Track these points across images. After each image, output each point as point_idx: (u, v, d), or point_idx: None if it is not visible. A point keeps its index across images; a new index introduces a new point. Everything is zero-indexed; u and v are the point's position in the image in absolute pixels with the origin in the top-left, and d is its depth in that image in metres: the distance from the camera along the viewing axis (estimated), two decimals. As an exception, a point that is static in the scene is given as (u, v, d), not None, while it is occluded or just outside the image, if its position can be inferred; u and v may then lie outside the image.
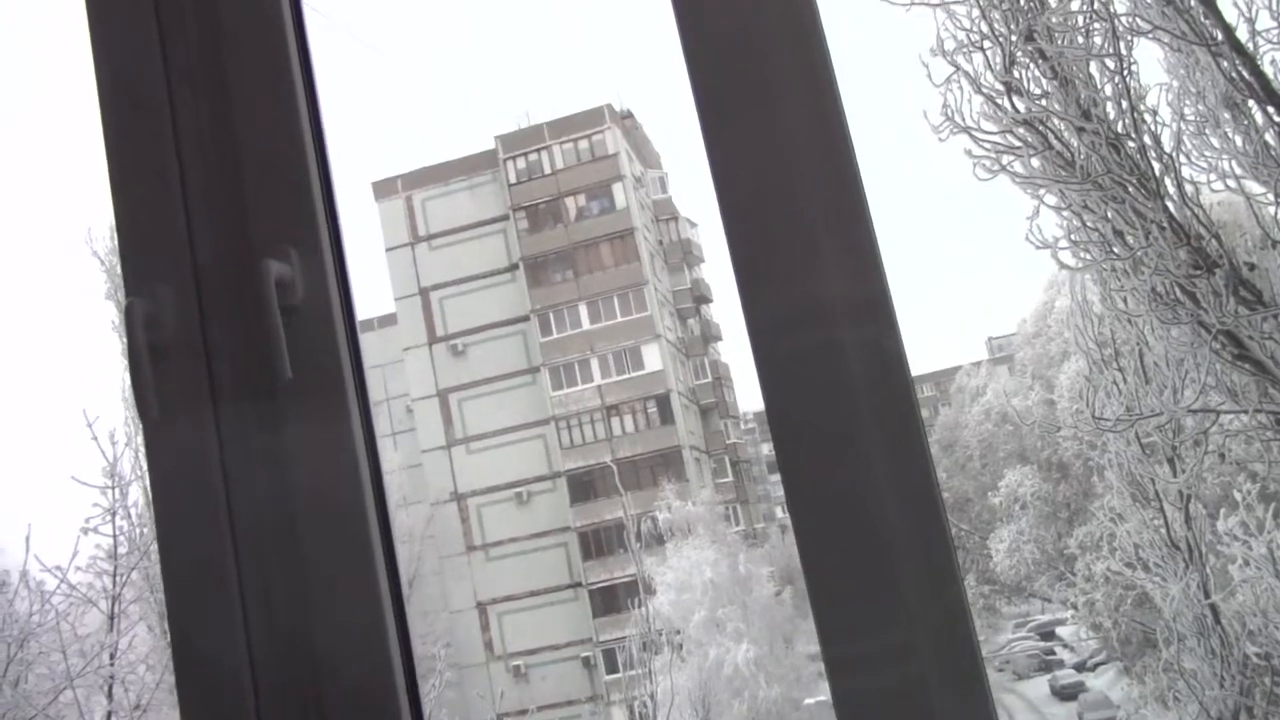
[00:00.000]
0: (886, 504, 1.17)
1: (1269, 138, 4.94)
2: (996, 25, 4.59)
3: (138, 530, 9.28)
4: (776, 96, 1.22)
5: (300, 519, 1.26)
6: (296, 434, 1.26)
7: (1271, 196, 4.92)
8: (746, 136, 1.23)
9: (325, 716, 1.22)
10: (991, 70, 4.59)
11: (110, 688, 7.52)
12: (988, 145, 4.57)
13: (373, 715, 1.21)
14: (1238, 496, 6.27)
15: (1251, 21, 4.42)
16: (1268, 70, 4.47)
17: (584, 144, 20.81)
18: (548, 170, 20.73)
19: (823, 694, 16.87)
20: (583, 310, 20.37)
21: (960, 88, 4.58)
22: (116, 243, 1.37)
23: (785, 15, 1.23)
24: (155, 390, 1.25)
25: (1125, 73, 4.45)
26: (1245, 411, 4.81)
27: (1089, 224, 5.04)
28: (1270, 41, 4.66)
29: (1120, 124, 4.57)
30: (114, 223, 1.34)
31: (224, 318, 1.30)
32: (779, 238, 1.22)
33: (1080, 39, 4.75)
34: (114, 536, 8.30)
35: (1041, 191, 4.97)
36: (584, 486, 19.74)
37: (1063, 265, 4.95)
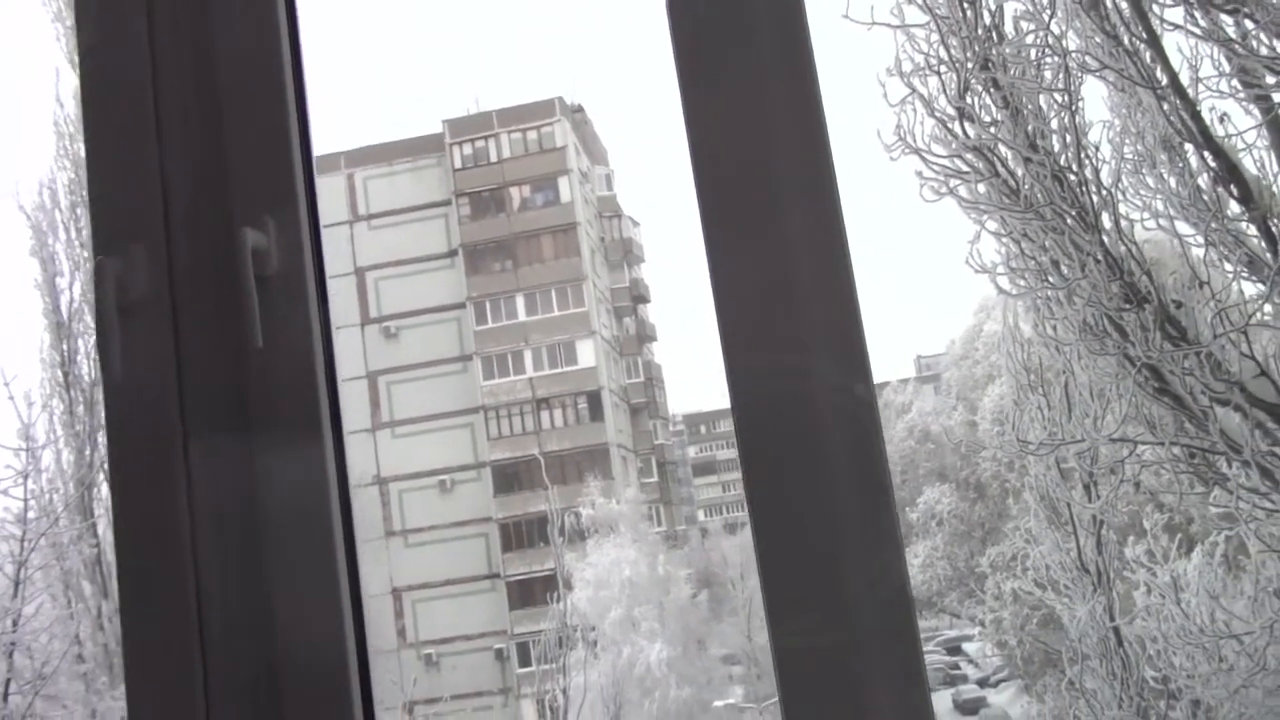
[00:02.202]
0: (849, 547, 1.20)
1: (1201, 182, 5.12)
2: (954, 51, 4.69)
3: (48, 496, 9.05)
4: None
5: (263, 489, 1.25)
6: (264, 403, 1.26)
7: (1200, 239, 5.09)
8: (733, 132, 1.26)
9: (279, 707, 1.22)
10: (946, 95, 4.69)
11: (12, 654, 7.31)
12: (937, 168, 4.67)
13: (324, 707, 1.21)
14: (1146, 525, 6.50)
15: (1195, 68, 4.58)
16: (1206, 116, 4.63)
17: (532, 135, 20.75)
18: (494, 158, 20.62)
19: (732, 697, 17.03)
20: (519, 301, 20.30)
21: (914, 110, 4.67)
22: (87, 198, 1.35)
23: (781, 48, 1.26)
24: (121, 352, 1.24)
25: (1073, 108, 4.58)
26: (1162, 443, 4.97)
27: (1027, 252, 5.18)
28: (1211, 89, 4.83)
29: (1064, 157, 4.70)
30: (87, 179, 1.33)
31: (196, 282, 1.29)
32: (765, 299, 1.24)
33: (1031, 71, 4.88)
34: (24, 500, 8.07)
35: (984, 217, 5.09)
36: (509, 478, 19.67)
37: (1001, 290, 5.08)
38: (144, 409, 1.27)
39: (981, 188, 4.73)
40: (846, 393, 1.22)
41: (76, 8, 1.38)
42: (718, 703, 16.16)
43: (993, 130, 4.60)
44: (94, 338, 9.76)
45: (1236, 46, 4.74)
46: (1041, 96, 4.68)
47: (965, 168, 4.89)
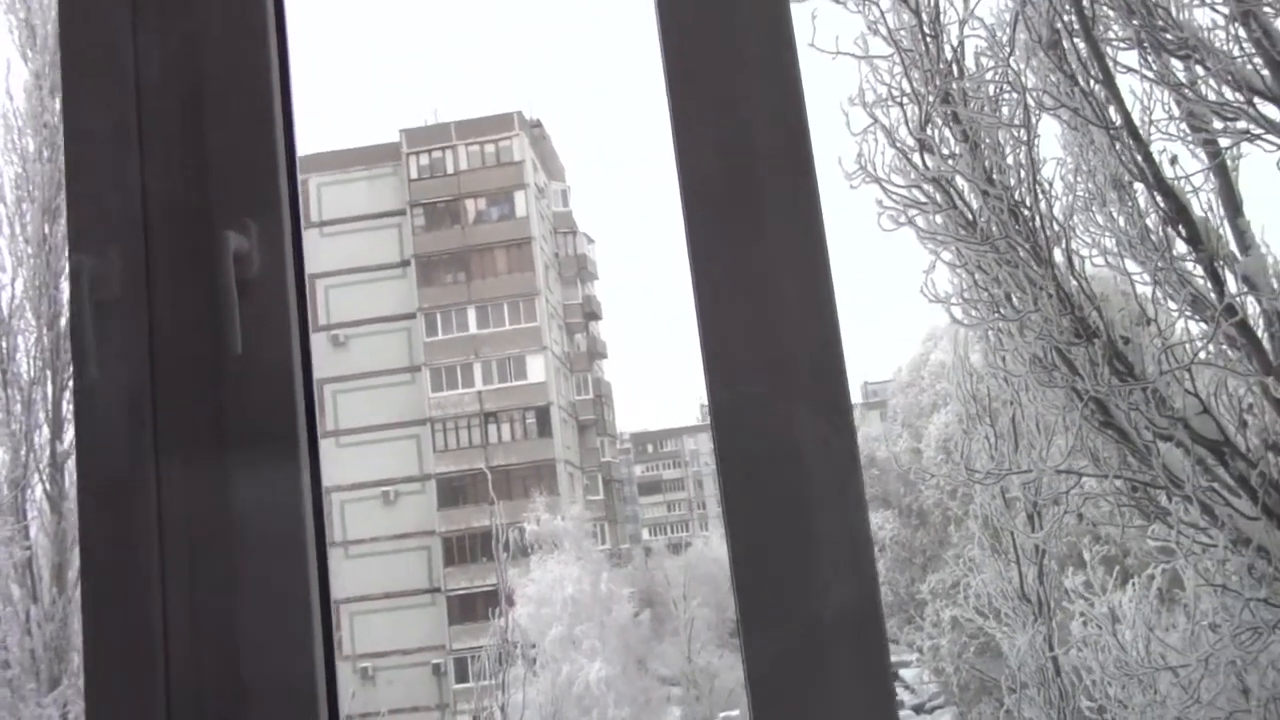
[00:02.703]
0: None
1: (1150, 221, 5.24)
2: (916, 84, 4.77)
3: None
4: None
5: (237, 501, 1.23)
6: (241, 412, 1.24)
7: (1147, 277, 5.20)
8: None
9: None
10: (907, 126, 4.76)
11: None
12: (896, 198, 4.74)
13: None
14: (1085, 556, 6.62)
15: (1149, 110, 4.70)
16: (1157, 158, 4.75)
17: (490, 148, 20.71)
18: (450, 170, 20.54)
19: (669, 717, 17.00)
20: (471, 314, 20.20)
21: (876, 139, 4.74)
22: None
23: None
24: (96, 351, 1.21)
25: (1030, 143, 4.68)
26: (1105, 476, 5.06)
27: (980, 283, 5.26)
28: (1161, 132, 4.96)
29: (1019, 192, 4.80)
30: (65, 175, 1.30)
31: (174, 284, 1.27)
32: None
33: (989, 107, 4.97)
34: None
35: (939, 248, 5.17)
36: (454, 491, 19.51)
37: (955, 320, 5.15)
38: (116, 411, 1.25)
39: (939, 219, 4.81)
40: (826, 426, 1.23)
41: (60, 1, 1.35)
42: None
43: (951, 162, 4.67)
44: (34, 335, 9.51)
45: (1186, 91, 4.88)
46: (1000, 131, 4.77)
47: (923, 198, 4.96)
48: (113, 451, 1.25)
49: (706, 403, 1.26)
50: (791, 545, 1.20)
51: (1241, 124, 4.95)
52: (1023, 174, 4.94)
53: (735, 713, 16.46)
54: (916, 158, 4.81)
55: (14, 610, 8.52)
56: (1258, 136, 4.91)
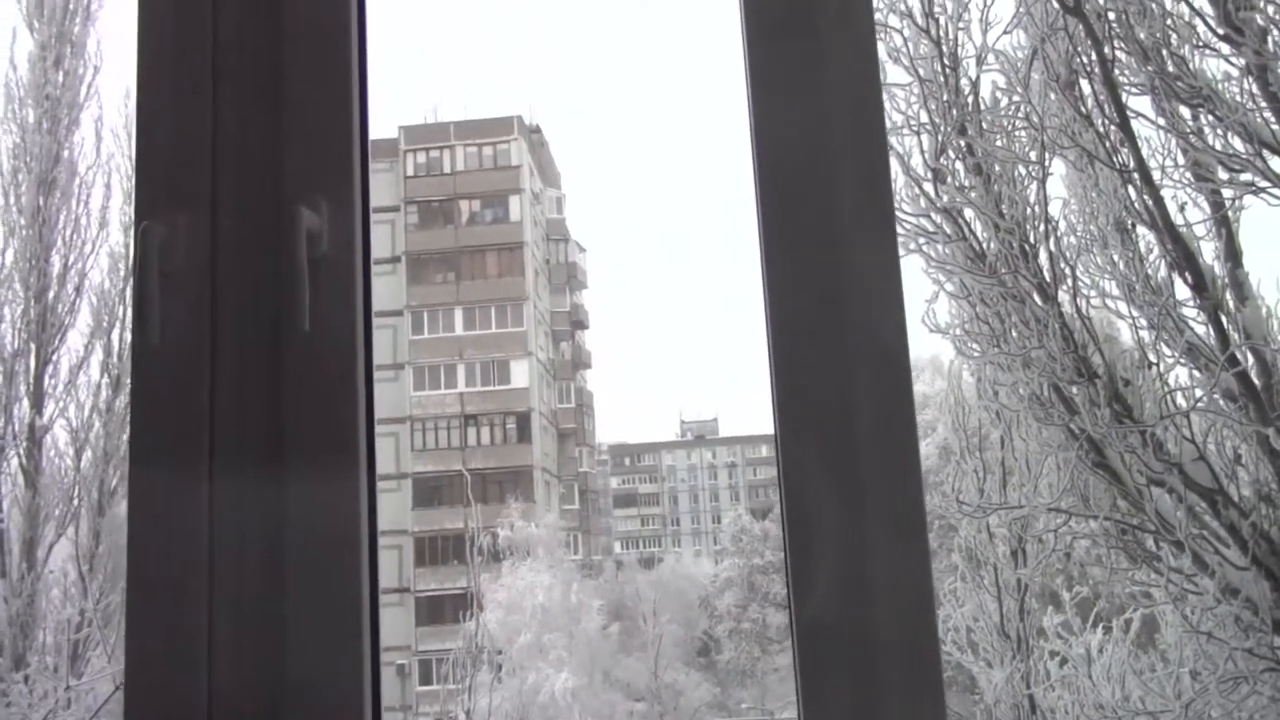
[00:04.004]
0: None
1: (1149, 269, 5.28)
2: (933, 114, 4.80)
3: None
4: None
5: (291, 467, 1.21)
6: (304, 387, 1.22)
7: (1145, 322, 5.24)
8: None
9: None
10: (922, 155, 4.79)
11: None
12: (907, 226, 4.76)
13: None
14: (1065, 597, 6.63)
15: (1162, 156, 4.74)
16: (1168, 204, 4.80)
17: (488, 150, 20.68)
18: (447, 170, 20.48)
19: (634, 733, 16.92)
20: (458, 315, 20.12)
21: (890, 166, 4.76)
22: (124, 167, 1.30)
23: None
24: (160, 317, 1.19)
25: (1043, 180, 4.71)
26: (1095, 517, 5.08)
27: (981, 316, 5.28)
28: (1171, 179, 5.00)
29: (1029, 227, 4.83)
30: (136, 139, 1.28)
31: (240, 256, 1.26)
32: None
33: (1003, 141, 5.01)
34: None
35: (944, 278, 5.19)
36: (430, 492, 19.39)
37: (960, 352, 5.18)
38: (173, 380, 1.22)
39: (947, 249, 4.83)
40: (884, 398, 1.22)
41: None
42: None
43: (964, 194, 4.70)
44: (20, 307, 9.43)
45: (1193, 139, 4.93)
46: (1012, 167, 4.80)
47: (932, 227, 4.98)
48: (166, 421, 1.23)
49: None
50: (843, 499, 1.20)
51: (1247, 176, 5.01)
52: (1031, 210, 4.98)
53: (700, 732, 16.40)
54: (928, 186, 4.83)
55: (-17, 583, 8.40)
56: (1263, 189, 4.96)
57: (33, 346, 9.12)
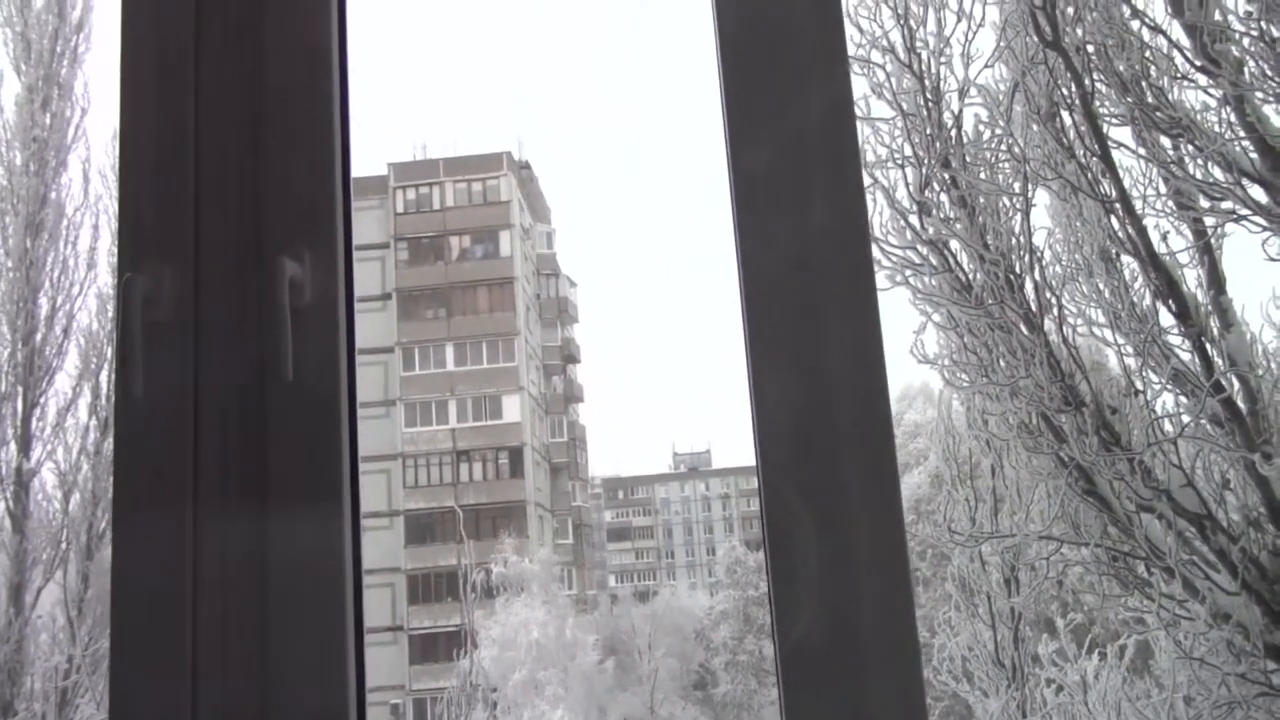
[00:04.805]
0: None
1: (1134, 296, 5.33)
2: (917, 148, 4.85)
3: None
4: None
5: (275, 510, 1.22)
6: (286, 436, 1.22)
7: (1131, 349, 5.27)
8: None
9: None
10: (906, 188, 4.83)
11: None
12: (894, 258, 4.80)
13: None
14: (1059, 624, 6.62)
15: (1144, 186, 4.80)
16: (1151, 233, 4.84)
17: (477, 186, 20.77)
18: (437, 206, 20.56)
19: (630, 770, 16.76)
20: (449, 351, 20.12)
21: (875, 199, 4.80)
22: (112, 209, 1.31)
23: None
24: (144, 368, 1.20)
25: (1026, 211, 4.76)
26: (1086, 544, 5.09)
27: (968, 346, 5.31)
28: (1152, 208, 5.05)
29: (1014, 257, 4.87)
30: (118, 190, 1.29)
31: (223, 308, 1.27)
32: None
33: (986, 173, 5.06)
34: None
35: (931, 309, 5.22)
36: (423, 529, 19.31)
37: (948, 382, 5.20)
38: (158, 434, 1.23)
39: (934, 280, 4.86)
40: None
41: (122, 17, 1.35)
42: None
43: (949, 227, 4.74)
44: (7, 350, 9.39)
45: (1174, 168, 4.99)
46: (995, 198, 4.85)
47: (918, 259, 5.02)
48: (151, 468, 1.23)
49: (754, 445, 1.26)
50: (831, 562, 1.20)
51: (1228, 204, 5.06)
52: (1015, 241, 5.02)
53: (697, 767, 16.28)
54: (914, 219, 4.87)
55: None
56: (1244, 217, 5.01)
57: (20, 389, 9.09)
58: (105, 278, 8.87)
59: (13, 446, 9.13)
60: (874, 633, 1.23)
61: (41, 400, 9.23)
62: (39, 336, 9.25)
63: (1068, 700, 6.37)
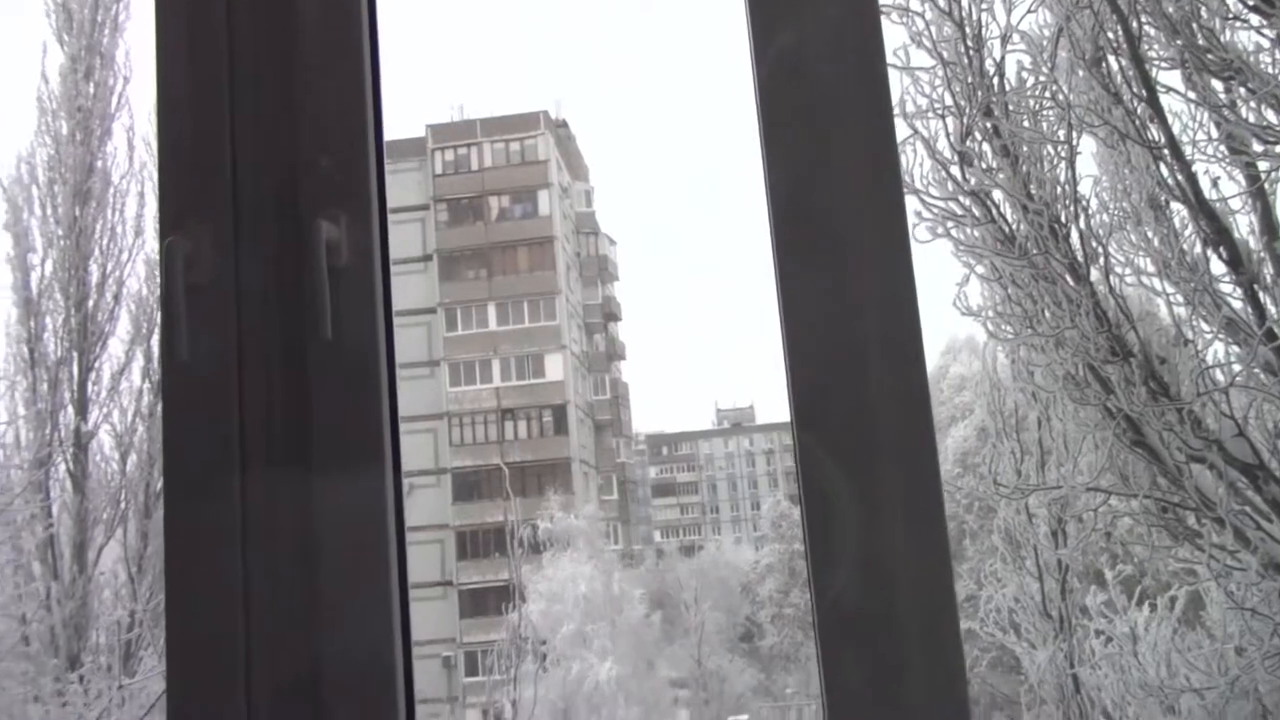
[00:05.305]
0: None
1: (1185, 244, 5.22)
2: (958, 97, 4.76)
3: (5, 473, 8.92)
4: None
5: (319, 468, 1.24)
6: (329, 399, 1.25)
7: (1181, 298, 5.18)
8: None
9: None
10: (947, 138, 4.76)
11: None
12: (935, 210, 4.73)
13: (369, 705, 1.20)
14: (1108, 576, 6.58)
15: (1193, 130, 4.68)
16: (1200, 178, 4.74)
17: (515, 146, 20.74)
18: (475, 167, 20.58)
19: (678, 718, 16.99)
20: (491, 311, 20.23)
21: (915, 150, 4.73)
22: (156, 176, 1.34)
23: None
24: (187, 333, 1.23)
25: (1071, 159, 4.67)
26: (1135, 496, 5.04)
27: (1013, 298, 5.24)
28: (1202, 153, 4.94)
29: (1059, 207, 4.78)
30: (157, 154, 1.32)
31: (262, 269, 1.29)
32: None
33: (1030, 121, 4.96)
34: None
35: (974, 261, 5.15)
36: (469, 486, 19.54)
37: (992, 334, 5.14)
38: (204, 394, 1.26)
39: (976, 232, 4.80)
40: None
41: (157, -12, 1.37)
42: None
43: (991, 177, 4.67)
44: (61, 316, 9.60)
45: (1226, 112, 4.86)
46: (1039, 146, 4.76)
47: (960, 211, 4.95)
48: (198, 429, 1.27)
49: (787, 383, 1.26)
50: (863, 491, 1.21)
51: (1281, 148, 4.93)
52: (1060, 190, 4.93)
53: (744, 717, 16.46)
54: (955, 170, 4.80)
55: (35, 587, 8.59)
56: (1299, 160, 4.88)
57: (75, 354, 9.29)
58: (152, 244, 9.02)
59: (70, 410, 9.35)
60: (911, 588, 1.23)
61: (96, 365, 9.44)
62: (91, 303, 9.43)
63: (1116, 651, 6.33)
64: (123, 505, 8.68)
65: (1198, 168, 5.00)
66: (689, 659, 17.45)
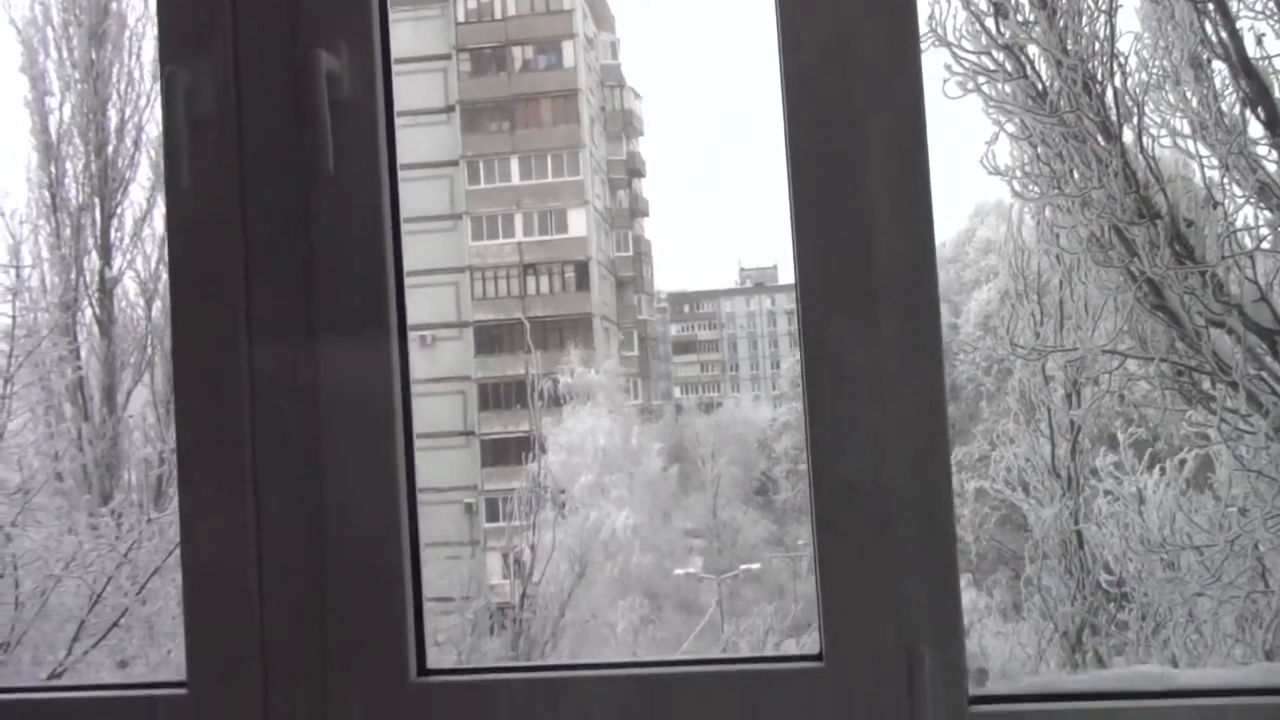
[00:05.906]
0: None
1: (1224, 106, 5.06)
2: (994, -58, 4.57)
3: (32, 315, 9.04)
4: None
5: (319, 313, 1.26)
6: (331, 227, 1.25)
7: (1216, 161, 5.05)
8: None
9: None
10: (983, -12, 4.58)
11: (-5, 466, 7.41)
12: (966, 64, 4.59)
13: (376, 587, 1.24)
14: (1120, 437, 6.63)
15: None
16: (1244, 36, 4.56)
17: (540, -8, 20.10)
18: (498, 15, 19.96)
19: (692, 567, 17.52)
20: (514, 164, 19.95)
21: (949, 1, 4.56)
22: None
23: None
24: (189, 162, 1.23)
25: (1111, 12, 4.49)
26: (1152, 359, 5.04)
27: (1042, 158, 5.13)
28: (1249, 9, 4.74)
29: (1095, 63, 4.63)
30: (157, -15, 1.29)
31: (262, 99, 1.27)
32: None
33: (1071, -29, 4.76)
34: (13, 318, 8.07)
35: (1004, 119, 5.02)
36: (491, 339, 19.68)
37: (1018, 194, 5.05)
38: (209, 223, 1.27)
39: (1008, 88, 4.66)
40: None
41: None
42: (678, 571, 16.61)
43: (1027, 30, 4.50)
44: (81, 161, 9.58)
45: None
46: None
47: (992, 65, 4.80)
48: (202, 260, 1.28)
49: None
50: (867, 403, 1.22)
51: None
52: (1098, 45, 4.76)
53: (756, 565, 16.93)
54: (990, 22, 4.64)
55: (66, 427, 8.83)
56: (1351, 17, 4.68)
57: (96, 200, 9.30)
58: (170, 87, 8.88)
59: (95, 255, 9.42)
60: (909, 471, 1.24)
61: (118, 211, 9.45)
62: (110, 148, 9.38)
63: (1121, 510, 6.43)
64: (149, 350, 8.83)
65: (1242, 24, 4.81)
66: (704, 510, 17.87)
